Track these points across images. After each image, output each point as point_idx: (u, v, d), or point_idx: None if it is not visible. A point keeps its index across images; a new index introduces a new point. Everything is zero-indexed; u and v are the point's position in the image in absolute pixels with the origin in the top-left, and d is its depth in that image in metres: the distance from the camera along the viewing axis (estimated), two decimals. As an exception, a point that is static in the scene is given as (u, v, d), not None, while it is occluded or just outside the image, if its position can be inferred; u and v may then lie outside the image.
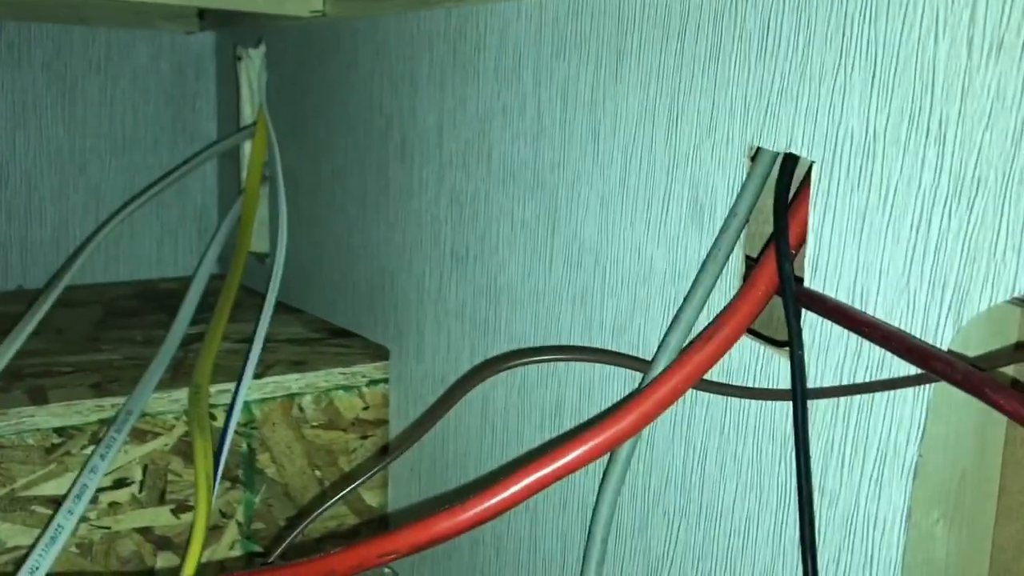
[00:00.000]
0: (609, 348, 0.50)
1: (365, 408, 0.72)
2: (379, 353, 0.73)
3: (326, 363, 0.71)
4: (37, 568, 0.51)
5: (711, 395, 0.45)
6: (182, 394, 0.64)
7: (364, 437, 0.72)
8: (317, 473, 0.70)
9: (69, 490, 0.58)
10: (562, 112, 0.53)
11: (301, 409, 0.69)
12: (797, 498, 0.39)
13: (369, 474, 0.52)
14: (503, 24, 0.56)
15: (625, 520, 0.50)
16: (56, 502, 0.60)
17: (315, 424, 0.70)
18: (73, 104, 0.91)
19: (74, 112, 0.91)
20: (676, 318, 0.44)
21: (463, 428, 0.63)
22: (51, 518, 0.56)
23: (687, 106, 0.45)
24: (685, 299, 0.44)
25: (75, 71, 0.91)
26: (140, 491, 0.63)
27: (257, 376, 0.67)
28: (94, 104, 0.92)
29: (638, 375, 0.49)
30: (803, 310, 0.40)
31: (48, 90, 0.90)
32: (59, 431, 0.60)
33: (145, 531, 0.64)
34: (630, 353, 0.49)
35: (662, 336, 0.46)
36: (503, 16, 0.56)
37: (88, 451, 0.61)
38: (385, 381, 0.72)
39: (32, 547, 0.56)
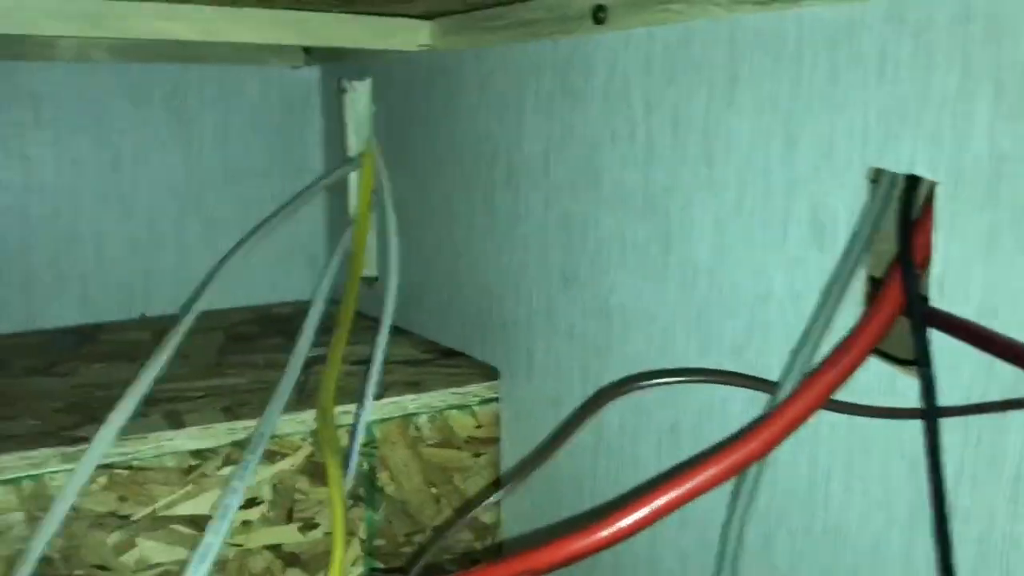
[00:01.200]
0: (727, 369, 0.51)
1: (477, 427, 0.74)
2: (488, 373, 0.75)
3: (439, 383, 0.73)
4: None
5: (835, 414, 0.45)
6: (307, 416, 0.67)
7: (477, 455, 0.74)
8: (433, 490, 0.72)
9: (213, 510, 0.61)
10: (673, 137, 0.54)
11: (417, 428, 0.71)
12: (931, 516, 0.39)
13: (495, 497, 0.54)
14: (611, 53, 0.58)
15: (749, 539, 0.51)
16: (194, 521, 0.64)
17: (431, 443, 0.72)
18: (190, 139, 0.96)
19: (191, 146, 0.96)
20: (802, 338, 0.44)
21: (577, 449, 0.64)
22: (198, 537, 0.60)
23: (803, 130, 0.46)
24: (810, 320, 0.45)
25: (191, 107, 0.95)
26: (270, 510, 0.66)
27: (377, 397, 0.69)
28: (209, 138, 0.97)
29: (757, 396, 0.50)
30: (930, 329, 0.40)
31: (167, 126, 0.95)
32: (195, 453, 0.64)
33: (275, 548, 0.67)
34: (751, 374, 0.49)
35: (787, 356, 0.47)
36: (611, 46, 0.58)
37: (222, 472, 0.64)
38: (496, 400, 0.74)
39: (183, 565, 0.59)
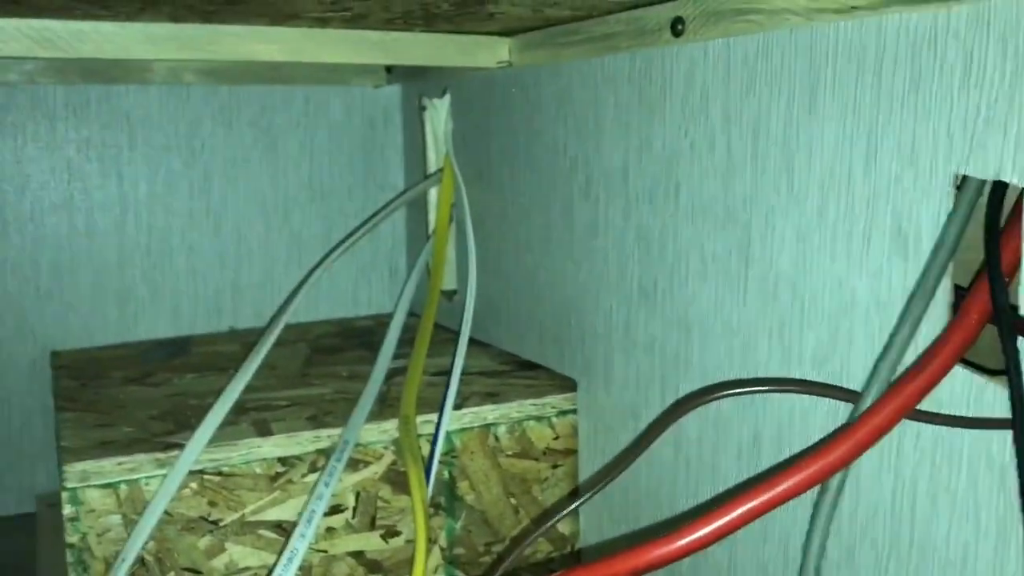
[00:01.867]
0: (809, 379, 0.51)
1: (555, 438, 0.74)
2: (566, 385, 0.75)
3: (518, 395, 0.74)
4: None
5: (919, 424, 0.44)
6: (390, 425, 0.68)
7: (555, 466, 0.74)
8: (512, 500, 0.73)
9: (299, 515, 0.63)
10: (753, 147, 0.54)
11: (496, 439, 0.72)
12: (1022, 529, 0.38)
13: (575, 504, 0.54)
14: (690, 65, 0.58)
15: (832, 552, 0.50)
16: (280, 527, 0.65)
17: (509, 453, 0.73)
18: (276, 157, 0.99)
19: (277, 165, 0.99)
20: (886, 348, 0.44)
21: (656, 460, 0.64)
22: (285, 541, 0.61)
23: (886, 138, 0.46)
24: (894, 329, 0.44)
25: (277, 127, 0.99)
26: (353, 517, 0.68)
27: (456, 407, 0.71)
28: (295, 157, 1.00)
29: (840, 407, 0.49)
30: (1020, 338, 0.40)
31: (255, 146, 0.98)
32: (282, 460, 0.66)
33: (358, 555, 0.68)
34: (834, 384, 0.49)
35: (870, 367, 0.46)
36: (690, 57, 0.58)
37: (307, 479, 0.66)
38: (574, 412, 0.75)
39: (270, 569, 0.61)
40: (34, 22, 0.63)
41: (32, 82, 0.89)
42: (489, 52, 0.77)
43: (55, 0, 0.57)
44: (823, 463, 0.40)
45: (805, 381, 0.50)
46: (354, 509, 0.68)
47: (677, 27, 0.58)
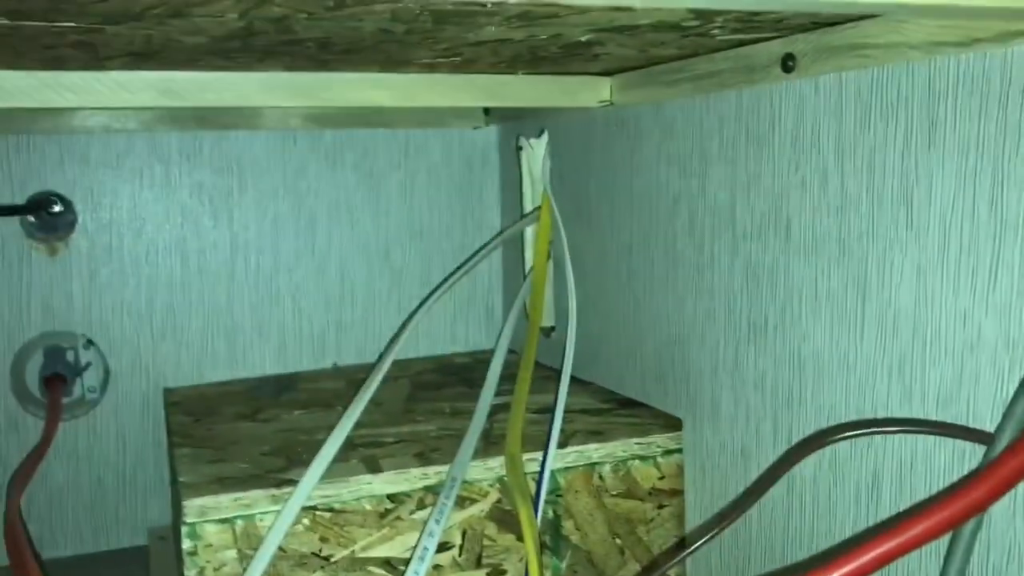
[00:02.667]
0: (938, 420, 0.49)
1: (661, 478, 0.73)
2: (671, 423, 0.74)
3: (622, 433, 0.73)
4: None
5: (1059, 468, 0.43)
6: (495, 462, 0.69)
7: (661, 506, 0.73)
8: (617, 541, 0.72)
9: (411, 551, 0.64)
10: (869, 182, 0.53)
11: (601, 478, 0.72)
12: None
13: (687, 552, 0.53)
14: (799, 100, 0.58)
15: (962, 598, 0.48)
16: (388, 563, 0.66)
17: (614, 493, 0.72)
18: (378, 198, 1.01)
19: (379, 205, 1.02)
20: (1020, 387, 0.42)
21: (768, 501, 0.63)
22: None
23: (1012, 172, 0.45)
24: (1030, 368, 0.43)
25: (379, 169, 1.01)
26: (460, 555, 0.68)
27: (560, 445, 0.70)
28: (395, 198, 1.02)
29: (967, 448, 0.48)
30: None
31: (358, 187, 1.01)
32: (391, 497, 0.66)
33: (464, 592, 0.68)
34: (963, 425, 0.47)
35: (999, 407, 0.45)
36: (799, 93, 0.58)
37: (415, 516, 0.67)
38: (679, 451, 0.74)
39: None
40: (161, 74, 0.66)
41: (150, 130, 0.93)
42: (591, 92, 0.78)
43: (182, 54, 0.59)
44: (957, 507, 0.39)
45: (935, 422, 0.49)
46: (460, 547, 0.68)
47: (788, 63, 0.57)
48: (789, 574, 0.41)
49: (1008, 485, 0.39)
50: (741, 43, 0.61)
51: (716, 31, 0.55)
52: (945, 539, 0.46)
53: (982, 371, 0.47)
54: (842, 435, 0.52)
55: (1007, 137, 0.45)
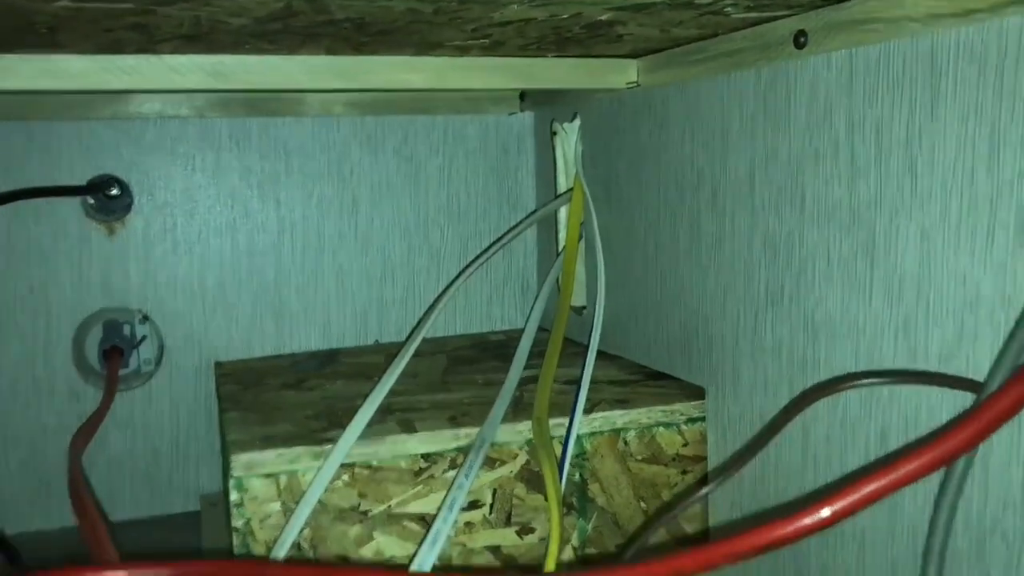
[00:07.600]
0: (933, 371, 0.52)
1: (684, 445, 0.76)
2: (695, 393, 0.77)
3: (646, 401, 0.76)
4: (423, 564, 0.61)
5: (1050, 417, 0.45)
6: (523, 426, 0.72)
7: (684, 472, 0.76)
8: (642, 504, 0.75)
9: (443, 501, 0.68)
10: (876, 153, 0.56)
11: (626, 443, 0.75)
12: None
13: (694, 498, 0.56)
14: (813, 75, 0.60)
15: (961, 547, 0.50)
16: (422, 519, 0.70)
17: (639, 458, 0.75)
18: (417, 182, 1.06)
19: (418, 189, 1.06)
20: (1010, 337, 0.45)
21: (783, 464, 0.66)
22: (430, 525, 0.66)
23: (1008, 136, 0.47)
24: (1019, 319, 0.45)
25: (419, 154, 1.05)
26: (490, 513, 0.72)
27: (586, 411, 0.74)
28: (434, 182, 1.06)
29: (968, 400, 0.50)
30: None
31: (398, 172, 1.05)
32: (425, 456, 0.70)
33: (494, 550, 0.72)
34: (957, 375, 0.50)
35: (995, 358, 0.47)
36: (813, 68, 0.60)
37: (447, 475, 0.70)
38: (702, 419, 0.76)
39: (414, 551, 0.65)
40: (209, 57, 0.71)
41: (201, 116, 0.98)
42: (618, 74, 0.81)
43: (228, 36, 0.64)
44: (946, 446, 0.41)
45: (929, 373, 0.51)
46: (491, 505, 0.72)
47: (800, 39, 0.60)
48: (791, 510, 0.43)
49: (991, 426, 0.41)
50: (757, 21, 0.64)
51: (729, 8, 0.58)
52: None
53: (980, 328, 0.49)
54: (842, 386, 0.55)
55: (1003, 105, 0.47)
